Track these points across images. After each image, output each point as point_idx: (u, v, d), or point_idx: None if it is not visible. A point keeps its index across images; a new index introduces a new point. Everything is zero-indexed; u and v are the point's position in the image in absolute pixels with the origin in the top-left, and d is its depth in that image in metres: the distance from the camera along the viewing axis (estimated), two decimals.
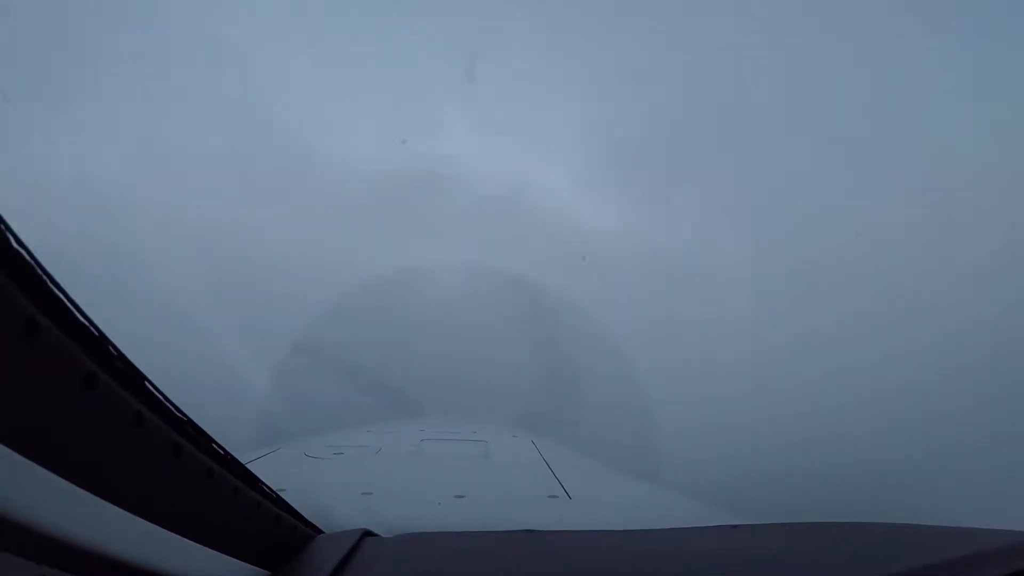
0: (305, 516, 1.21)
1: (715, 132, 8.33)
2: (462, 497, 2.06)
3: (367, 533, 1.28)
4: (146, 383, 0.68)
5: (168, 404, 0.72)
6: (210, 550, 0.85)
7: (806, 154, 8.12)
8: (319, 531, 1.26)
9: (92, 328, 0.61)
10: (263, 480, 1.01)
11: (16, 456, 0.52)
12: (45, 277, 0.55)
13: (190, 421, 0.77)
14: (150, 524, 0.71)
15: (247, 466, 0.95)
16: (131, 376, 0.66)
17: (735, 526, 1.48)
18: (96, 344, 0.61)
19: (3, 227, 0.52)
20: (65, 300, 0.57)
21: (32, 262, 0.54)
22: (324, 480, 2.41)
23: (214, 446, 0.83)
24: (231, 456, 0.88)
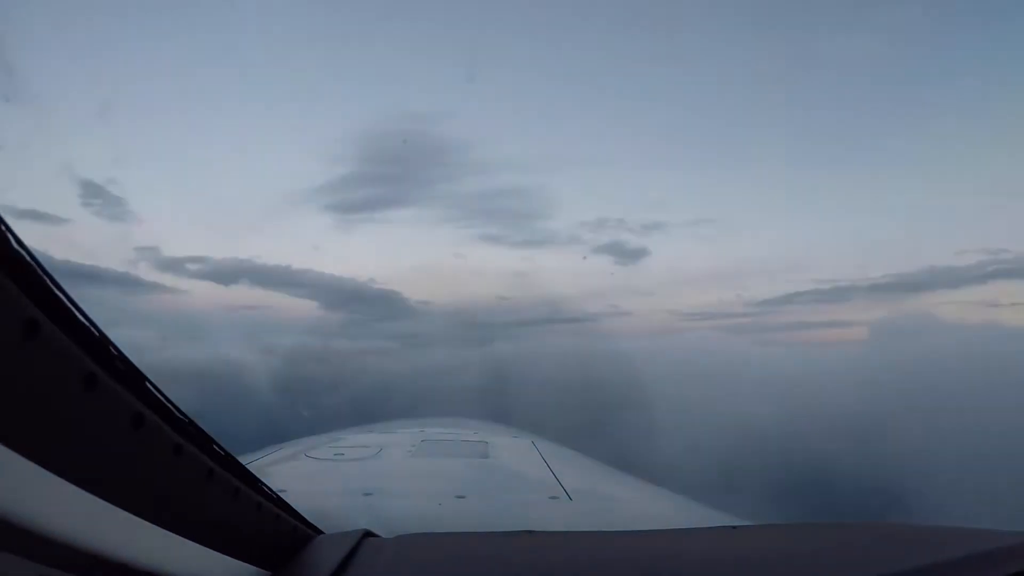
0: (306, 517, 1.21)
1: None
2: (463, 498, 2.06)
3: (368, 534, 1.28)
4: (147, 383, 0.68)
5: (169, 405, 0.72)
6: (211, 550, 0.85)
7: None
8: (320, 532, 1.26)
9: (93, 328, 0.61)
10: (264, 481, 1.01)
11: (16, 456, 0.52)
12: (46, 277, 0.56)
13: (191, 422, 0.77)
14: (150, 524, 0.71)
15: (248, 467, 0.95)
16: (132, 376, 0.66)
17: (735, 527, 1.48)
18: (97, 344, 0.61)
19: (4, 227, 0.52)
20: (66, 300, 0.57)
21: (33, 263, 0.54)
22: (325, 481, 2.41)
23: (215, 447, 0.83)
24: (232, 457, 0.88)
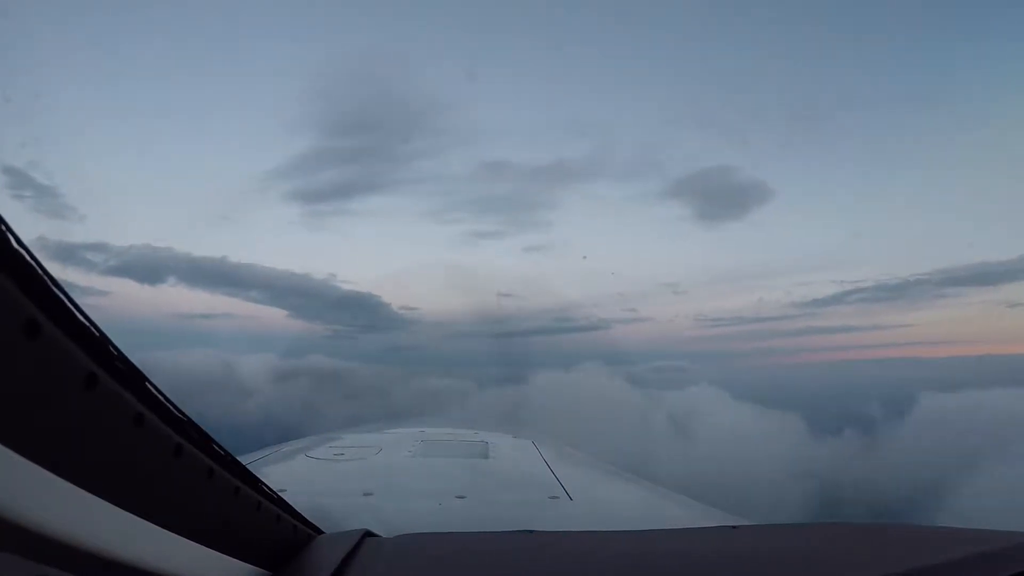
0: (306, 516, 1.21)
1: None
2: (463, 498, 2.06)
3: (368, 534, 1.28)
4: (147, 383, 0.68)
5: (169, 404, 0.72)
6: (211, 550, 0.85)
7: None
8: (320, 531, 1.26)
9: (93, 328, 0.61)
10: (264, 480, 1.01)
11: (16, 456, 0.52)
12: (46, 277, 0.56)
13: (191, 422, 0.77)
14: (150, 524, 0.71)
15: (248, 467, 0.95)
16: (132, 376, 0.66)
17: (735, 527, 1.48)
18: (97, 344, 0.61)
19: (4, 227, 0.52)
20: (66, 300, 0.57)
21: (33, 262, 0.54)
22: (325, 480, 2.42)
23: (215, 447, 0.83)
24: (232, 457, 0.88)
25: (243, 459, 0.94)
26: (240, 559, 0.93)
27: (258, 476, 0.98)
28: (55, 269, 0.56)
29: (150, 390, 0.69)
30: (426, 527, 1.38)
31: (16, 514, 0.53)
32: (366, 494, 2.05)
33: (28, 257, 0.53)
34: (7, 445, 0.51)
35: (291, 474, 2.48)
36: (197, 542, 0.81)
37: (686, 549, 1.31)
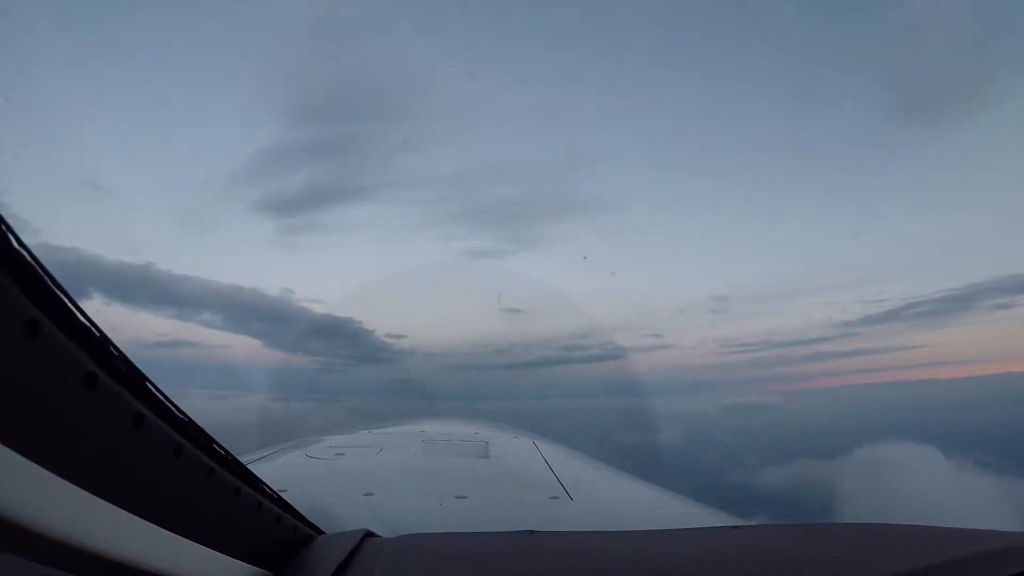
0: (306, 516, 1.21)
1: None
2: (463, 498, 2.06)
3: (368, 534, 1.28)
4: (147, 384, 0.68)
5: (169, 405, 0.72)
6: (211, 550, 0.85)
7: None
8: (320, 531, 1.26)
9: (93, 328, 0.61)
10: (264, 481, 1.01)
11: (16, 456, 0.52)
12: (46, 277, 0.56)
13: (191, 422, 0.77)
14: (150, 524, 0.71)
15: (248, 467, 0.95)
16: (132, 377, 0.66)
17: (736, 527, 1.48)
18: (97, 344, 0.61)
19: (4, 227, 0.52)
20: (66, 300, 0.57)
21: (33, 262, 0.54)
22: (325, 481, 2.42)
23: (215, 447, 0.83)
24: (232, 457, 0.88)
25: (243, 459, 0.94)
26: (240, 559, 0.93)
27: (258, 476, 0.98)
28: None
29: (150, 390, 0.69)
30: (427, 527, 1.38)
31: (16, 514, 0.53)
32: (366, 494, 2.05)
33: (28, 257, 0.53)
34: (7, 445, 0.51)
35: (291, 474, 2.48)
36: (197, 542, 0.81)
37: (686, 549, 1.31)
